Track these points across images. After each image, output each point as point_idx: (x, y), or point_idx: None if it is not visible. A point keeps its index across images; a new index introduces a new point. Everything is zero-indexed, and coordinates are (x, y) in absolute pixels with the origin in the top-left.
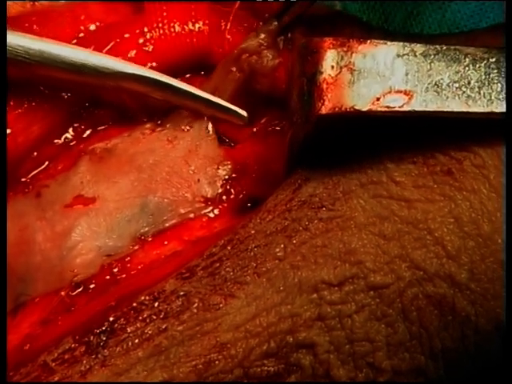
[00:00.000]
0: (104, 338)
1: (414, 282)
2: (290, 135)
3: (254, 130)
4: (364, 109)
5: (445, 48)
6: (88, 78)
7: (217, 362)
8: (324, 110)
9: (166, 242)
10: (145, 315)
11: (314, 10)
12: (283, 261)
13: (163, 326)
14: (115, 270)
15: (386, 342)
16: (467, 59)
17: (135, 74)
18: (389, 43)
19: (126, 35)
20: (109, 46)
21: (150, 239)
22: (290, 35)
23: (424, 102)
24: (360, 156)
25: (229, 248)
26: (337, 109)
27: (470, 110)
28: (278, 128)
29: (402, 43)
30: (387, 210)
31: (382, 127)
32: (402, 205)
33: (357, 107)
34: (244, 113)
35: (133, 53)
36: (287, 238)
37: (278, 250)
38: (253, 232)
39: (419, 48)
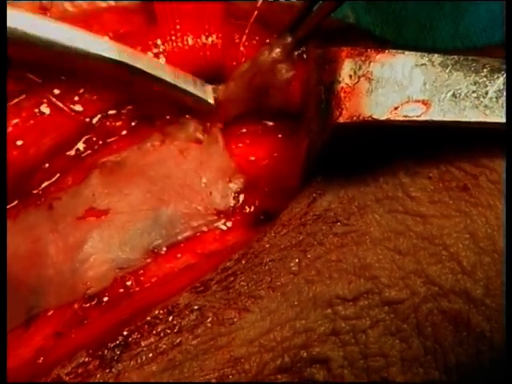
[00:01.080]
0: (118, 352)
1: (429, 298)
2: (306, 144)
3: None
4: (382, 118)
5: (462, 58)
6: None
7: (230, 377)
8: (342, 119)
9: (179, 255)
10: (159, 329)
11: (326, 24)
12: (298, 275)
13: (177, 341)
14: (128, 283)
15: (401, 357)
16: (485, 70)
17: (98, 54)
18: (406, 53)
19: (139, 47)
20: None
21: (163, 252)
22: (303, 49)
23: (442, 112)
24: (375, 169)
25: (243, 262)
26: (354, 118)
27: (488, 119)
28: (290, 140)
29: (419, 53)
30: (402, 225)
31: (399, 138)
32: (417, 220)
33: (375, 116)
34: (211, 100)
35: None
36: (302, 253)
37: (292, 264)
38: (267, 246)
39: (437, 58)
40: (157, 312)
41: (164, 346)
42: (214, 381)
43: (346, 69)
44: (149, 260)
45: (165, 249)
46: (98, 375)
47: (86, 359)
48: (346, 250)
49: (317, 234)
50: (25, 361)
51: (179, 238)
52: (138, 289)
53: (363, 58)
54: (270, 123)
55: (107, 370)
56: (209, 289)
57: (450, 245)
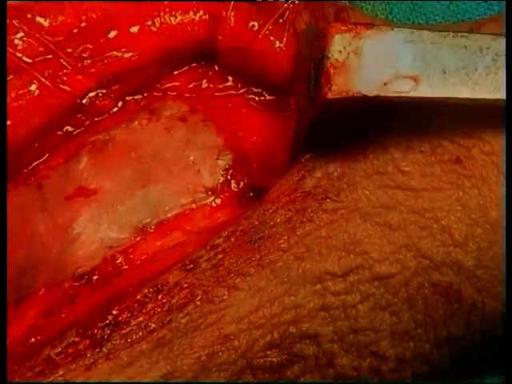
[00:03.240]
0: (108, 332)
1: (420, 271)
2: (295, 121)
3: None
4: (371, 94)
5: (452, 35)
6: None
7: (220, 354)
8: (331, 95)
9: (168, 233)
10: (148, 308)
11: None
12: (287, 252)
13: (167, 319)
14: (118, 261)
15: (391, 331)
16: (474, 46)
17: None
18: (396, 29)
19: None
20: (110, 35)
21: (152, 230)
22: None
23: (431, 88)
24: (366, 145)
25: (232, 239)
26: (344, 93)
27: (477, 96)
28: (280, 116)
29: (409, 29)
30: (393, 200)
31: (389, 114)
32: (408, 194)
33: (364, 92)
34: None
35: None
36: (291, 230)
37: (281, 241)
38: (256, 223)
39: (427, 34)
40: (146, 291)
41: (153, 325)
42: (204, 358)
43: (336, 45)
44: (138, 238)
45: (154, 227)
46: (89, 354)
47: (76, 339)
48: (335, 226)
49: (306, 210)
50: (15, 339)
51: (168, 215)
52: (127, 267)
53: (353, 34)
54: (258, 98)
55: (97, 350)
56: (198, 266)
57: (442, 217)
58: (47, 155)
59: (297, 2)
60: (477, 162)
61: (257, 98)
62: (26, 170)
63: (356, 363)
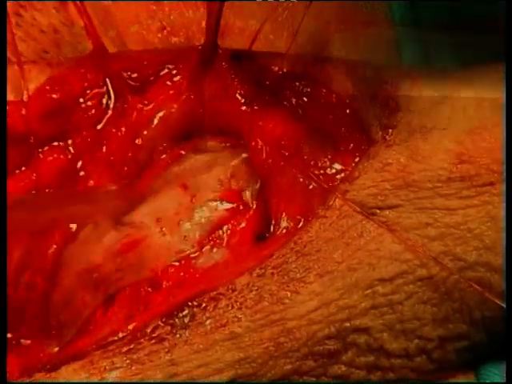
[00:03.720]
0: (186, 321)
1: (456, 271)
2: None
3: None
4: None
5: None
6: None
7: (285, 344)
8: None
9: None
10: (223, 304)
11: None
12: (342, 264)
13: (238, 316)
14: (187, 270)
15: (432, 319)
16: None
17: None
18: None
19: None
20: None
21: (210, 243)
22: None
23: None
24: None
25: (294, 251)
26: None
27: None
28: None
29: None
30: (431, 218)
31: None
32: (444, 213)
33: None
34: None
35: None
36: (344, 244)
37: (336, 255)
38: (314, 238)
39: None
40: (221, 289)
41: (226, 320)
42: (271, 348)
43: None
44: (198, 251)
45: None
46: (170, 339)
47: (159, 325)
48: (382, 238)
49: (356, 226)
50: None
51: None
52: (195, 275)
53: None
54: None
55: (177, 336)
56: (265, 273)
57: (474, 228)
58: None
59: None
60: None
61: None
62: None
63: (404, 345)
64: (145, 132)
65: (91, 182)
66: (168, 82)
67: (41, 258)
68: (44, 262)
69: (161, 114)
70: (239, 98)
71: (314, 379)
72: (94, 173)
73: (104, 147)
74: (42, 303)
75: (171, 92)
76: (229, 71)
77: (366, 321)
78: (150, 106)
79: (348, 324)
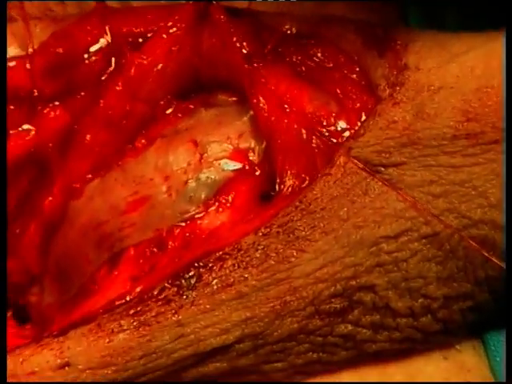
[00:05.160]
0: (192, 282)
1: (461, 228)
2: None
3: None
4: None
5: None
6: None
7: (291, 303)
8: None
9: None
10: (229, 264)
11: None
12: (347, 221)
13: (245, 275)
14: (190, 232)
15: (437, 277)
16: None
17: None
18: None
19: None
20: None
21: (216, 204)
22: None
23: None
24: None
25: (299, 210)
26: None
27: None
28: None
29: None
30: (436, 176)
31: None
32: (449, 170)
33: None
34: None
35: None
36: (350, 202)
37: (341, 213)
38: (319, 196)
39: None
40: (227, 249)
41: (232, 280)
42: (278, 307)
43: None
44: (204, 212)
45: (213, 200)
46: (176, 300)
47: (165, 287)
48: (387, 196)
49: (361, 183)
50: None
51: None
52: (200, 236)
53: None
54: None
55: (184, 297)
56: (271, 232)
57: (479, 185)
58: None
59: None
60: None
61: None
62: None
63: (409, 304)
64: (142, 85)
65: (88, 137)
66: (164, 36)
67: (38, 206)
68: (41, 211)
69: (158, 67)
70: (239, 54)
71: (320, 339)
72: (92, 128)
73: (102, 102)
74: (34, 245)
75: (167, 45)
76: (227, 26)
77: (371, 279)
78: (147, 60)
79: (354, 282)
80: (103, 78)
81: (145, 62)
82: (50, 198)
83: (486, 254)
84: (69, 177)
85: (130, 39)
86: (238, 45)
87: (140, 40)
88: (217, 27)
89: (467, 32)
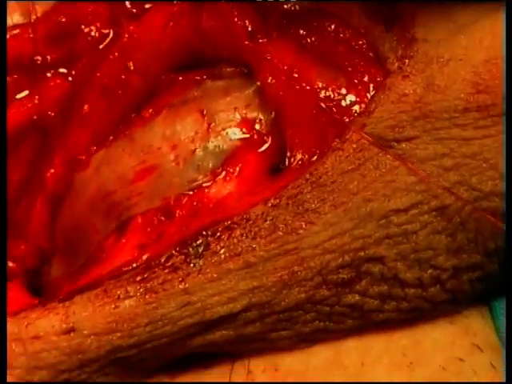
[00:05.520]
0: (200, 251)
1: (471, 201)
2: None
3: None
4: None
5: None
6: None
7: (299, 273)
8: None
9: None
10: (237, 233)
11: None
12: (357, 195)
13: (253, 245)
14: (198, 201)
15: (447, 249)
16: None
17: None
18: None
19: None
20: None
21: (223, 173)
22: None
23: None
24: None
25: (309, 182)
26: None
27: None
28: None
29: None
30: (447, 149)
31: None
32: (460, 143)
33: None
34: None
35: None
36: (360, 176)
37: (351, 186)
38: (330, 169)
39: None
40: (235, 219)
41: (240, 249)
42: (285, 277)
43: None
44: (211, 180)
45: (221, 169)
46: (184, 268)
47: (173, 255)
48: (397, 171)
49: (372, 158)
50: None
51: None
52: (208, 205)
53: None
54: None
55: (191, 265)
56: (280, 203)
57: (490, 158)
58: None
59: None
60: None
61: None
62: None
63: (418, 275)
64: (136, 56)
65: (86, 107)
66: (162, 11)
67: (41, 179)
68: (44, 184)
69: (152, 40)
70: (243, 33)
71: (327, 308)
72: (90, 97)
73: (98, 71)
74: (43, 222)
75: (163, 20)
76: (228, 6)
77: (380, 250)
78: (142, 31)
79: (362, 253)
80: (101, 47)
81: (140, 32)
82: (52, 170)
83: (499, 224)
84: (70, 147)
85: (132, 9)
86: (240, 23)
87: (138, 11)
88: (216, 8)
89: (473, 1)
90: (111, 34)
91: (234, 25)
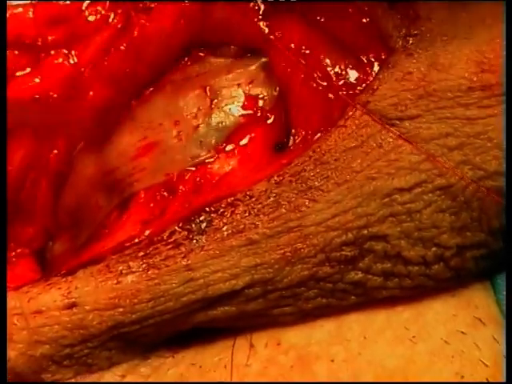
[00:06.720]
0: (203, 227)
1: (476, 180)
2: None
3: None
4: None
5: None
6: None
7: (302, 250)
8: None
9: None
10: (240, 210)
11: None
12: (360, 173)
13: (256, 222)
14: (202, 177)
15: (451, 227)
16: None
17: None
18: None
19: None
20: None
21: (227, 149)
22: None
23: None
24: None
25: (313, 160)
26: None
27: None
28: None
29: None
30: (451, 128)
31: None
32: (464, 122)
33: None
34: None
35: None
36: (363, 154)
37: (355, 164)
38: (333, 147)
39: None
40: (239, 195)
41: (243, 226)
42: (288, 254)
43: None
44: (214, 157)
45: (224, 144)
46: (186, 244)
47: (176, 231)
48: (401, 149)
49: (375, 136)
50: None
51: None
52: (211, 181)
53: None
54: None
55: (194, 241)
56: (284, 181)
57: (494, 137)
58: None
59: None
60: None
61: None
62: None
63: (422, 253)
64: (145, 49)
65: (91, 94)
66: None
67: (44, 159)
68: (47, 164)
69: (164, 32)
70: (253, 8)
71: (330, 285)
72: (95, 84)
73: (106, 59)
74: (49, 203)
75: (175, 10)
76: None
77: (383, 228)
78: (154, 24)
79: (365, 231)
80: (107, 36)
81: (151, 26)
82: (55, 151)
83: (503, 203)
84: (72, 129)
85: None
86: (251, 3)
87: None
88: None
89: None
90: (113, 19)
91: (246, 5)
